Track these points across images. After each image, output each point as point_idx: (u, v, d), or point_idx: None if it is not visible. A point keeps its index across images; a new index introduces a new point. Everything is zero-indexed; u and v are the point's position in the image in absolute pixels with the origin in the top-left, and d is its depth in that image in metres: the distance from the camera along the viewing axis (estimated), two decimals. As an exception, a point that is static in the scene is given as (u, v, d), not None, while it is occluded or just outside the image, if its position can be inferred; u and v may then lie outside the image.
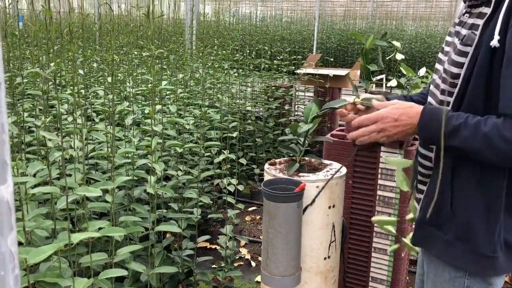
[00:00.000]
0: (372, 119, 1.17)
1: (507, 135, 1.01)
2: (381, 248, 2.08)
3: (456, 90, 1.12)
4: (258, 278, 2.75)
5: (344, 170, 1.60)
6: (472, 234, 1.11)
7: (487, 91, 1.07)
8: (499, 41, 1.03)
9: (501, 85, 1.04)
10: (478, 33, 1.09)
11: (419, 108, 1.14)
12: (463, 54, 1.11)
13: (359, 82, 4.58)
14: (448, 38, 1.24)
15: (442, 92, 1.18)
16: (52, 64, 1.78)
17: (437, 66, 1.27)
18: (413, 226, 1.29)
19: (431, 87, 1.27)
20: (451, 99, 1.13)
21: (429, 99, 1.27)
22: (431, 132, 1.11)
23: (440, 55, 1.26)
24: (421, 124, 1.13)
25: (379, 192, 2.03)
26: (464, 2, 1.19)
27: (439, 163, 1.10)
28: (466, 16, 1.17)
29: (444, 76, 1.17)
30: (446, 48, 1.23)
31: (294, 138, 1.61)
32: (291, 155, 1.66)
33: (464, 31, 1.15)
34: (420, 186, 1.30)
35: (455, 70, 1.13)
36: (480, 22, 1.09)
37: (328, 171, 1.58)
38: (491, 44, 1.04)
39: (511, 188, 1.09)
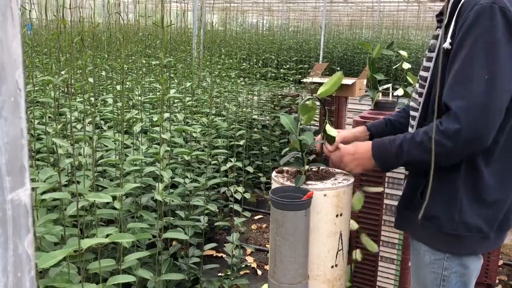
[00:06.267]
0: (336, 159, 1.49)
1: (435, 137, 1.12)
2: (388, 257, 2.07)
3: (424, 91, 1.28)
4: (264, 287, 2.74)
5: (351, 178, 1.60)
6: (435, 214, 1.24)
7: (443, 88, 1.19)
8: (451, 43, 1.15)
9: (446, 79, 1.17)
10: (439, 38, 1.23)
11: (368, 143, 1.35)
12: (429, 59, 1.28)
13: (366, 91, 4.58)
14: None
15: (420, 95, 1.32)
16: (63, 72, 1.80)
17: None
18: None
19: (413, 94, 1.42)
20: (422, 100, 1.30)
21: (411, 103, 1.40)
22: (385, 159, 1.30)
23: None
24: (374, 155, 1.32)
25: (386, 201, 2.03)
26: (436, 18, 1.35)
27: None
28: (438, 30, 1.31)
29: (420, 81, 1.35)
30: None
31: (295, 153, 1.63)
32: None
33: (432, 41, 1.32)
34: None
35: (424, 73, 1.30)
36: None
37: (336, 179, 1.58)
38: (443, 46, 1.16)
39: (469, 177, 1.20)
